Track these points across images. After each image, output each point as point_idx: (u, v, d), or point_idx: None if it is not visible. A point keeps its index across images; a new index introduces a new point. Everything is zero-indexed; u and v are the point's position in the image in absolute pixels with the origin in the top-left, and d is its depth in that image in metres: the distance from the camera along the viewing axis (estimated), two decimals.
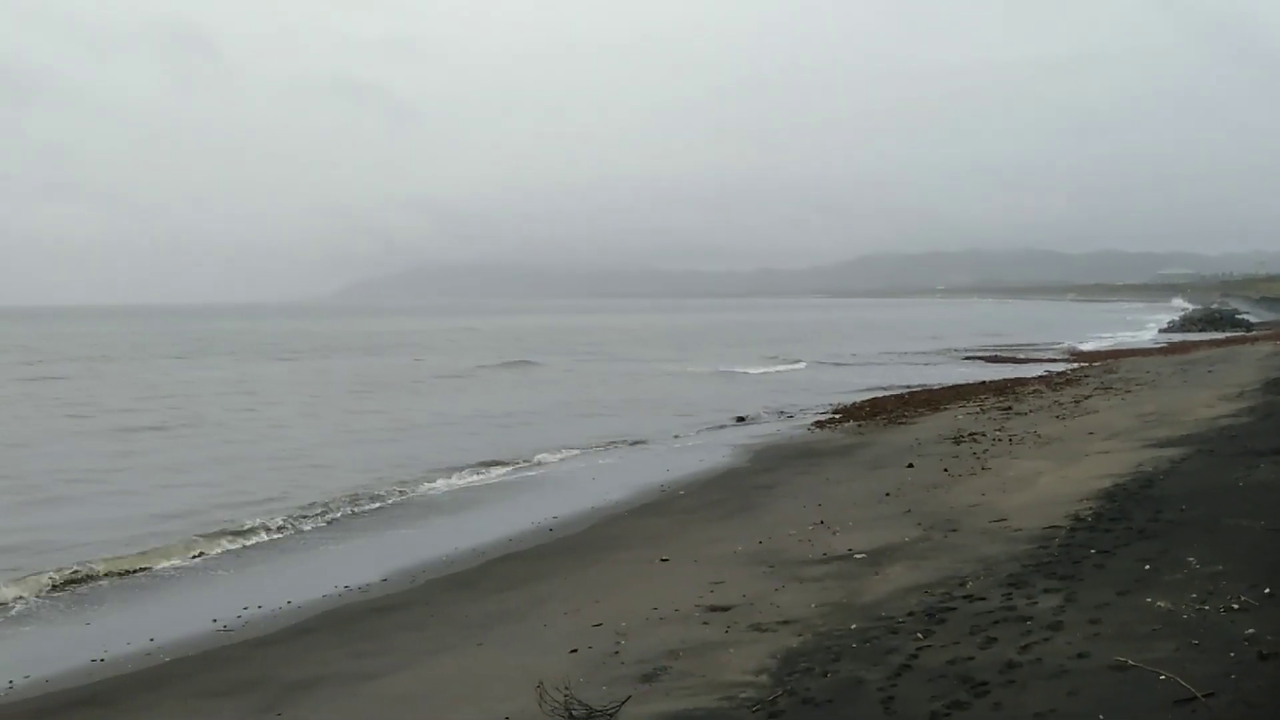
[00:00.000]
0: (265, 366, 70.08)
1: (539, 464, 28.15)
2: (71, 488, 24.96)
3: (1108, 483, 16.52)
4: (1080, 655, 8.84)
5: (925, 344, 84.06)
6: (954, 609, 10.90)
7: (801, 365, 64.61)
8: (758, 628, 11.67)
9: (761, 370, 61.29)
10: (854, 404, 38.44)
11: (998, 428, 26.60)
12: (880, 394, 42.63)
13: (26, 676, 12.27)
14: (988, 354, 68.65)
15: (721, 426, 34.76)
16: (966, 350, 73.91)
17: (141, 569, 17.39)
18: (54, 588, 16.02)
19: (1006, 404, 32.46)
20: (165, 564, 17.77)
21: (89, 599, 15.82)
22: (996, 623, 10.15)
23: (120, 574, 17.03)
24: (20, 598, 15.55)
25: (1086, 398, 31.82)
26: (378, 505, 22.68)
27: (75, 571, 16.83)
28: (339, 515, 21.60)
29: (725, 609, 12.61)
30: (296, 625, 13.97)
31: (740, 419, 36.74)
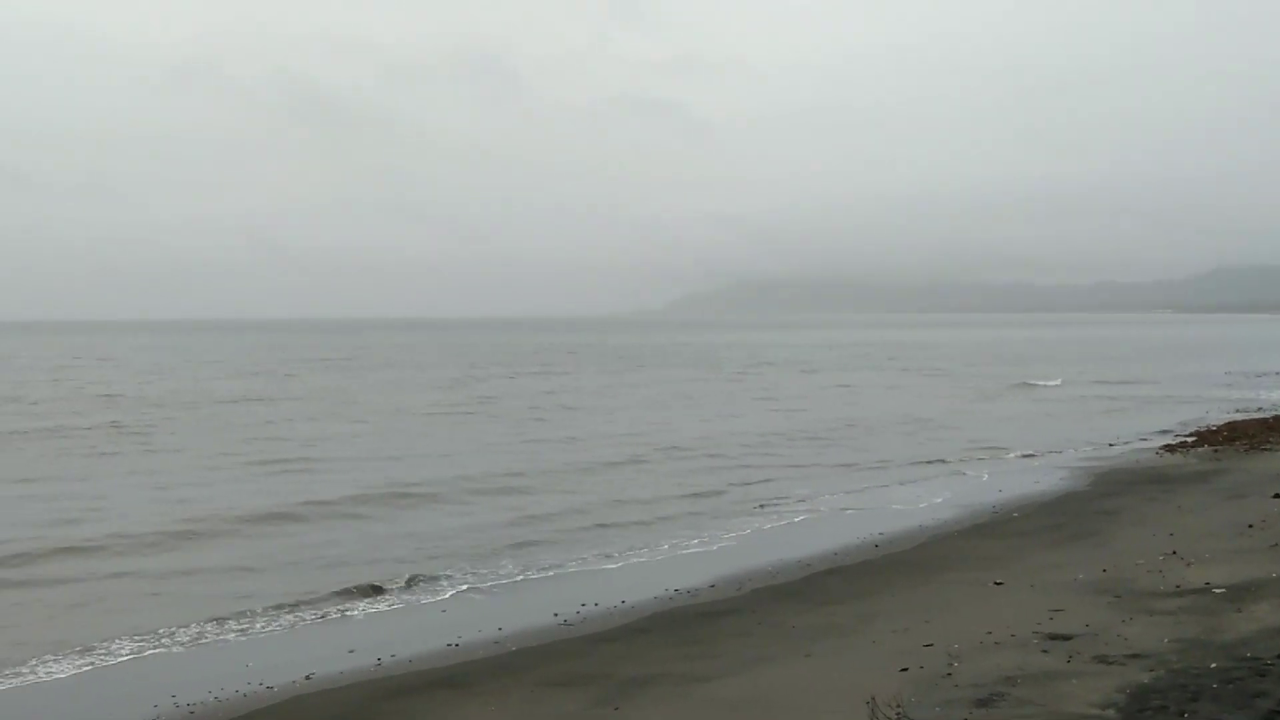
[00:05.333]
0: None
1: (859, 479, 27.83)
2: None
3: None
4: None
5: None
6: None
7: (1148, 385, 60.41)
8: (1103, 659, 11.06)
9: (1099, 387, 57.86)
10: (1209, 427, 35.52)
11: None
12: (1240, 417, 39.14)
13: (393, 655, 13.42)
14: None
15: (1057, 452, 33.00)
16: None
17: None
18: (408, 582, 17.34)
19: None
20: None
21: (438, 588, 17.06)
22: None
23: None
24: (376, 587, 16.96)
25: None
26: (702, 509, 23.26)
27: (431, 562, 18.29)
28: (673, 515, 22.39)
29: (1066, 638, 12.03)
30: (631, 624, 14.52)
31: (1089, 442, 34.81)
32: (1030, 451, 32.22)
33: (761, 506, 23.83)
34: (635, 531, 21.18)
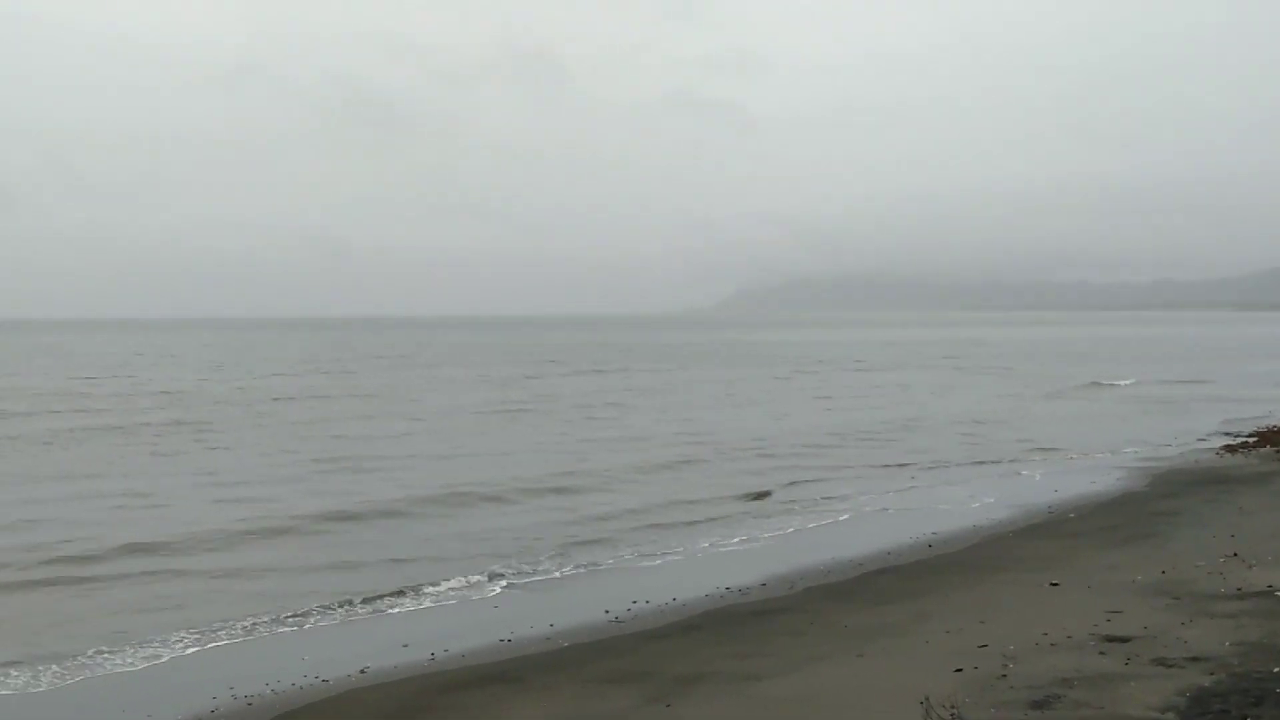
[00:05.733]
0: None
1: (912, 478, 27.64)
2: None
3: None
4: None
5: None
6: None
7: (1206, 384, 59.37)
8: (1162, 662, 10.91)
9: (1160, 387, 56.98)
10: (1270, 428, 34.81)
11: None
12: None
13: (446, 650, 13.53)
14: None
15: (1113, 452, 32.52)
16: None
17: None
18: (460, 578, 17.48)
19: None
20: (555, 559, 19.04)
21: (490, 585, 17.18)
22: None
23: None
24: (430, 583, 17.13)
25: None
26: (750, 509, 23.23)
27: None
28: (722, 515, 22.33)
29: (1124, 640, 11.88)
30: (682, 622, 14.52)
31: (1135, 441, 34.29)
32: (1087, 451, 31.79)
33: (813, 505, 23.74)
34: (686, 530, 21.17)
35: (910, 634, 13.15)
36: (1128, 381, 61.47)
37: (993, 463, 30.06)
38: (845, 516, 22.50)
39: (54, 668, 13.11)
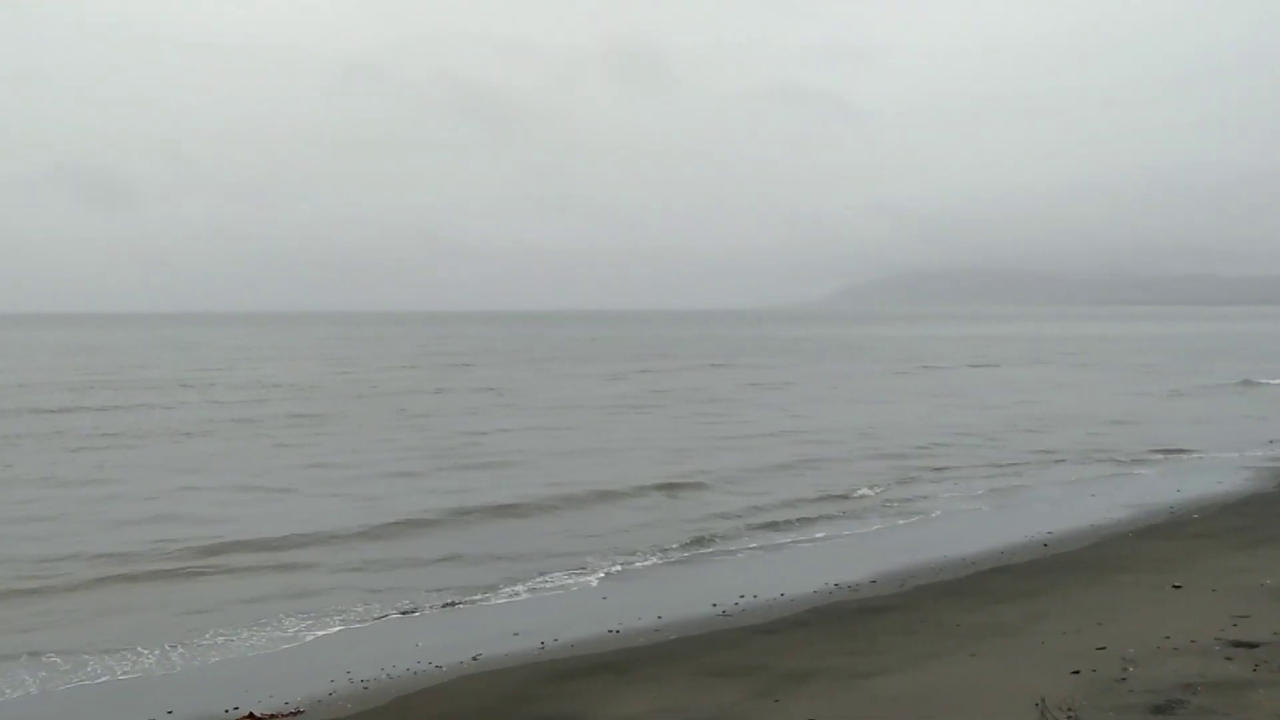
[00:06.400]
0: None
1: (1026, 476, 27.01)
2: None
3: None
4: None
5: None
6: None
7: None
8: None
9: None
10: None
11: None
12: None
13: (555, 640, 13.70)
14: None
15: (1239, 451, 31.30)
16: None
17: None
18: (569, 571, 17.68)
19: None
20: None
21: (598, 577, 17.33)
22: None
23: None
24: (540, 575, 17.35)
25: None
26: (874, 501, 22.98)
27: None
28: (829, 513, 22.16)
29: (1252, 645, 11.46)
30: (790, 617, 14.44)
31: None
32: (1214, 450, 30.70)
33: (924, 503, 23.38)
34: (797, 527, 21.04)
35: (1025, 634, 12.88)
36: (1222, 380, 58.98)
37: (1113, 461, 29.22)
38: (957, 514, 22.11)
39: (180, 650, 13.65)
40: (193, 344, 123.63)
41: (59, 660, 13.28)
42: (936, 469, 28.16)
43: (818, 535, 20.25)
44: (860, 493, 24.63)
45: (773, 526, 21.06)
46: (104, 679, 12.72)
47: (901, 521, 21.49)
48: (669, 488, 25.40)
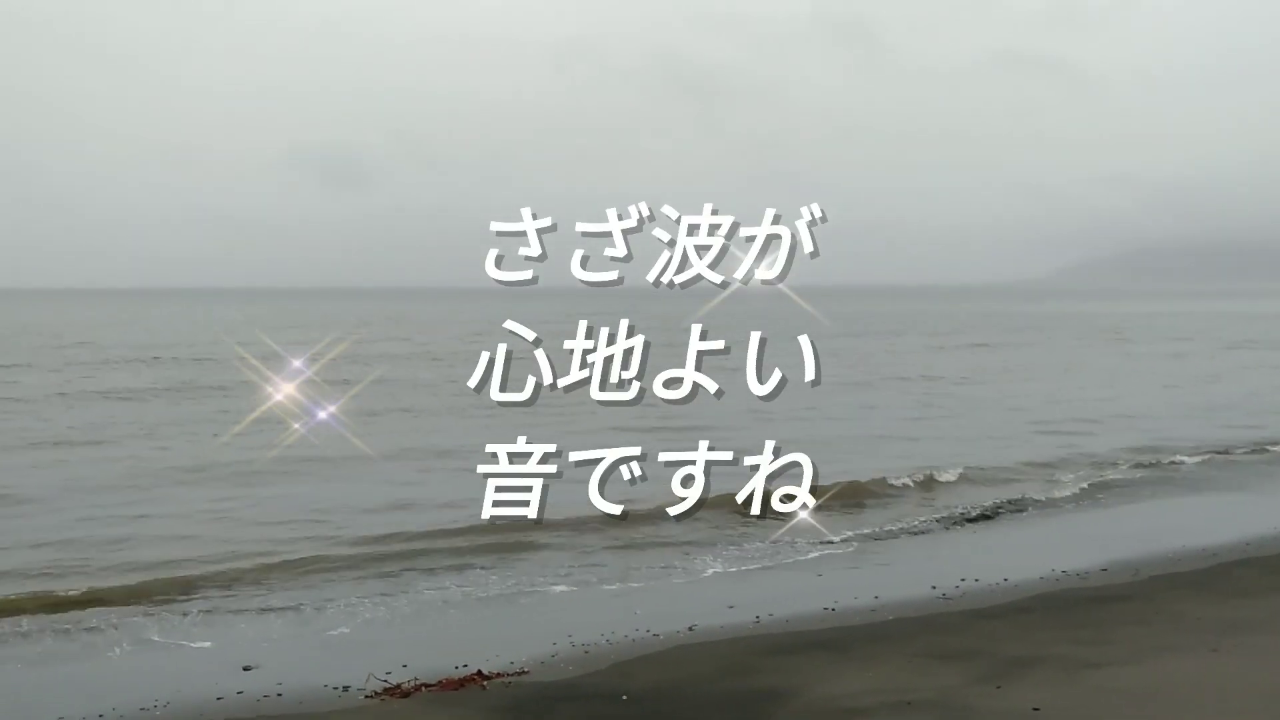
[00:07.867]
0: None
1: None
2: None
3: None
4: None
5: None
6: None
7: None
8: None
9: None
10: None
11: None
12: None
13: (770, 615, 13.74)
14: None
15: None
16: None
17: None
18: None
19: None
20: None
21: (814, 554, 17.26)
22: None
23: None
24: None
25: None
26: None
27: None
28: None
29: None
30: (1014, 603, 14.00)
31: None
32: None
33: (1161, 487, 22.25)
34: (1020, 513, 20.36)
35: (1273, 631, 12.11)
36: None
37: None
38: (1197, 501, 20.92)
39: (405, 607, 14.43)
40: (429, 319, 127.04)
41: (298, 612, 14.21)
42: (1178, 451, 26.55)
43: (1049, 520, 19.59)
44: (1095, 474, 23.62)
45: (994, 512, 20.44)
46: (342, 629, 13.61)
47: (1136, 508, 20.50)
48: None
